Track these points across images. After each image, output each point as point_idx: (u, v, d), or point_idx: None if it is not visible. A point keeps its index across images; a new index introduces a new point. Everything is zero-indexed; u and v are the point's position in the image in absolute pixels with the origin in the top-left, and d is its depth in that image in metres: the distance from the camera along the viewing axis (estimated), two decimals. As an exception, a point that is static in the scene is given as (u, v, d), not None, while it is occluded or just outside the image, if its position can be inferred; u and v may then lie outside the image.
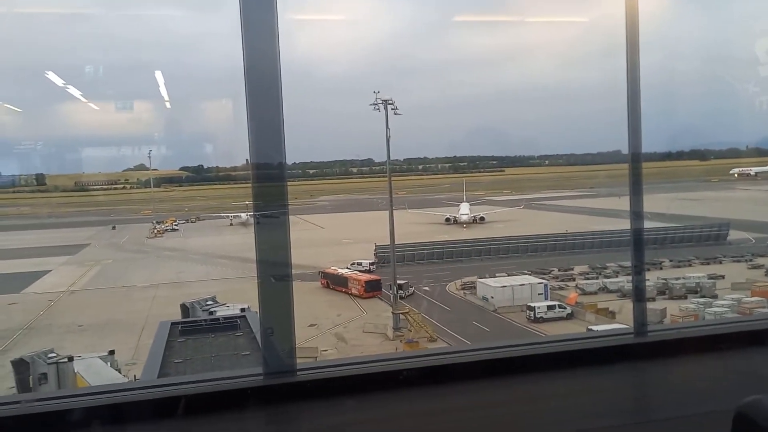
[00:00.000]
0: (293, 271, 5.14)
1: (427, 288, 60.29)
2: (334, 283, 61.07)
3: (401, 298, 57.06)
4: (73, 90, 62.01)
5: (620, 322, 43.99)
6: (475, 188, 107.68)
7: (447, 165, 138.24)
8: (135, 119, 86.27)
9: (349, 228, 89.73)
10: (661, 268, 60.48)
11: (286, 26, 4.69)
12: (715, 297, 52.44)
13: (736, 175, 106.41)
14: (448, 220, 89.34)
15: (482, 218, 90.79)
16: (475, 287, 58.39)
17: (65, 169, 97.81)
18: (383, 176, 75.89)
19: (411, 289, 60.18)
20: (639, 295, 6.21)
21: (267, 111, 4.71)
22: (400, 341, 46.78)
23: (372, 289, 58.84)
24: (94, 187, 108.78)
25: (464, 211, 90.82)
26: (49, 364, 31.38)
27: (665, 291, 53.27)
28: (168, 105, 75.43)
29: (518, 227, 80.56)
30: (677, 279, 55.73)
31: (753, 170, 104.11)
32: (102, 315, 52.78)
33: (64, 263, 73.48)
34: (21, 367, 32.29)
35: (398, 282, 58.87)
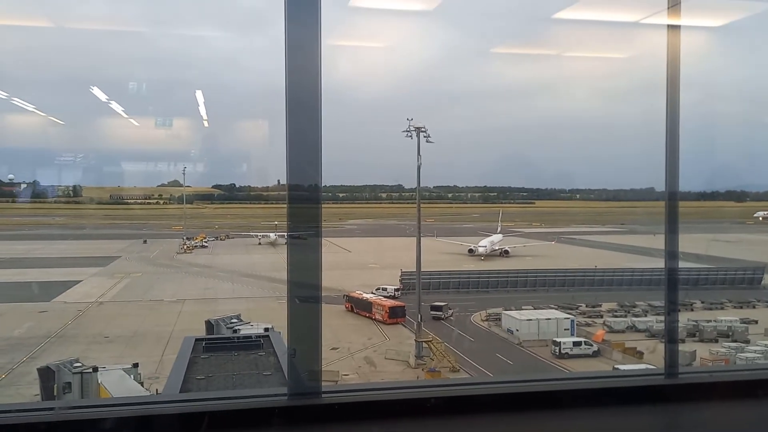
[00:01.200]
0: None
1: (452, 317, 59.81)
2: (359, 307, 60.94)
3: (440, 319, 58.20)
4: (115, 105, 63.66)
5: (648, 363, 43.04)
6: (504, 219, 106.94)
7: (477, 194, 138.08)
8: (173, 136, 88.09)
9: (375, 253, 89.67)
10: (692, 310, 59.20)
11: (323, 51, 4.79)
12: (747, 342, 51.03)
13: (761, 218, 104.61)
14: (471, 251, 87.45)
15: (506, 252, 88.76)
16: (500, 319, 57.75)
17: (102, 182, 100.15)
18: (412, 203, 75.95)
19: (450, 311, 60.55)
20: (671, 336, 6.09)
21: (306, 133, 4.78)
22: (422, 370, 46.34)
23: (396, 315, 58.57)
24: (129, 200, 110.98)
25: (483, 243, 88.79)
26: (74, 373, 31.86)
27: (696, 333, 52.02)
28: (206, 123, 76.85)
29: (544, 262, 79.19)
30: (708, 321, 54.41)
31: None
32: (128, 327, 53.36)
33: (94, 274, 74.66)
34: (46, 375, 32.80)
35: (437, 304, 60.26)
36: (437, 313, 58.97)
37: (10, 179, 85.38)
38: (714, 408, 5.15)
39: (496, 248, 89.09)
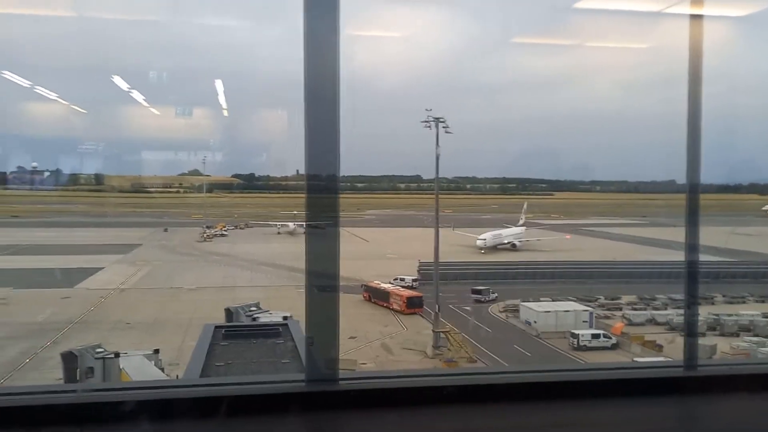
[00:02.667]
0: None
1: (468, 308, 59.76)
2: (376, 297, 61.10)
3: (481, 302, 60.27)
4: (136, 94, 63.99)
5: (667, 356, 42.73)
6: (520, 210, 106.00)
7: (495, 185, 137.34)
8: (193, 125, 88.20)
9: (393, 243, 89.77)
10: (713, 303, 58.57)
11: (342, 41, 4.80)
12: (769, 337, 50.47)
13: None
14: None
15: (513, 245, 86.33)
16: (518, 310, 57.61)
17: (123, 171, 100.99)
18: (430, 193, 75.68)
19: (494, 295, 62.01)
20: (691, 329, 6.05)
21: (325, 123, 4.81)
22: (440, 360, 46.43)
23: (414, 305, 58.66)
24: (150, 189, 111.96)
25: (483, 235, 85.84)
26: (96, 358, 32.35)
27: (716, 327, 51.49)
28: (225, 113, 77.09)
29: (556, 258, 77.93)
30: (729, 315, 53.83)
31: None
32: (149, 314, 54.08)
33: (116, 261, 75.65)
34: (70, 359, 33.34)
35: (478, 288, 62.39)
36: (478, 296, 61.35)
37: (33, 167, 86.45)
38: (733, 401, 5.12)
39: (506, 242, 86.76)
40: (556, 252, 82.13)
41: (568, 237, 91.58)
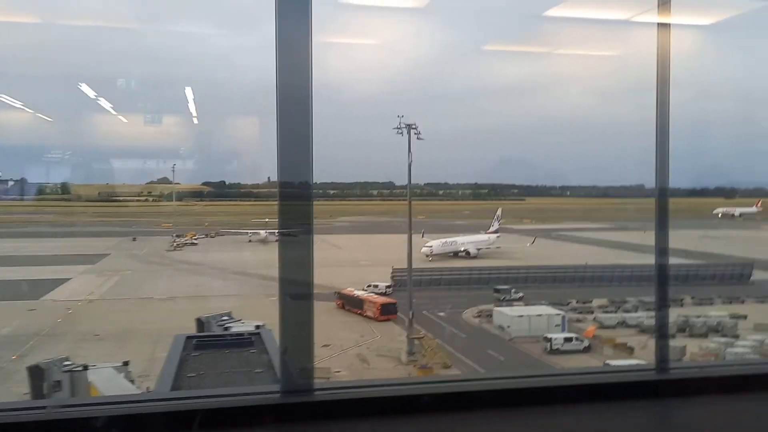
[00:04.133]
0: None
1: (442, 314, 59.87)
2: (350, 304, 60.89)
3: (502, 301, 61.06)
4: (103, 102, 63.08)
5: (638, 358, 43.32)
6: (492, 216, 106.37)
7: (468, 191, 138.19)
8: (162, 133, 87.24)
9: (367, 249, 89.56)
10: (681, 305, 59.54)
11: (314, 48, 4.78)
12: (736, 337, 51.43)
13: (720, 215, 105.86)
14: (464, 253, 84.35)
15: (468, 253, 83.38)
16: (491, 315, 57.89)
17: (91, 179, 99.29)
18: (403, 199, 75.68)
19: (518, 295, 62.39)
20: (662, 332, 6.13)
21: (297, 130, 4.78)
22: (414, 366, 46.41)
23: (387, 312, 58.54)
24: (118, 198, 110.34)
25: (429, 243, 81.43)
26: (63, 372, 31.62)
27: (685, 328, 52.37)
28: (195, 120, 76.40)
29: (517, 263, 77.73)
30: (698, 317, 54.79)
31: (737, 211, 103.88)
32: (118, 325, 53.11)
33: (83, 272, 74.23)
34: (36, 373, 32.56)
35: (499, 287, 63.27)
36: (498, 295, 62.63)
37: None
38: (705, 403, 5.18)
39: (461, 249, 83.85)
40: (522, 260, 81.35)
41: (528, 245, 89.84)
